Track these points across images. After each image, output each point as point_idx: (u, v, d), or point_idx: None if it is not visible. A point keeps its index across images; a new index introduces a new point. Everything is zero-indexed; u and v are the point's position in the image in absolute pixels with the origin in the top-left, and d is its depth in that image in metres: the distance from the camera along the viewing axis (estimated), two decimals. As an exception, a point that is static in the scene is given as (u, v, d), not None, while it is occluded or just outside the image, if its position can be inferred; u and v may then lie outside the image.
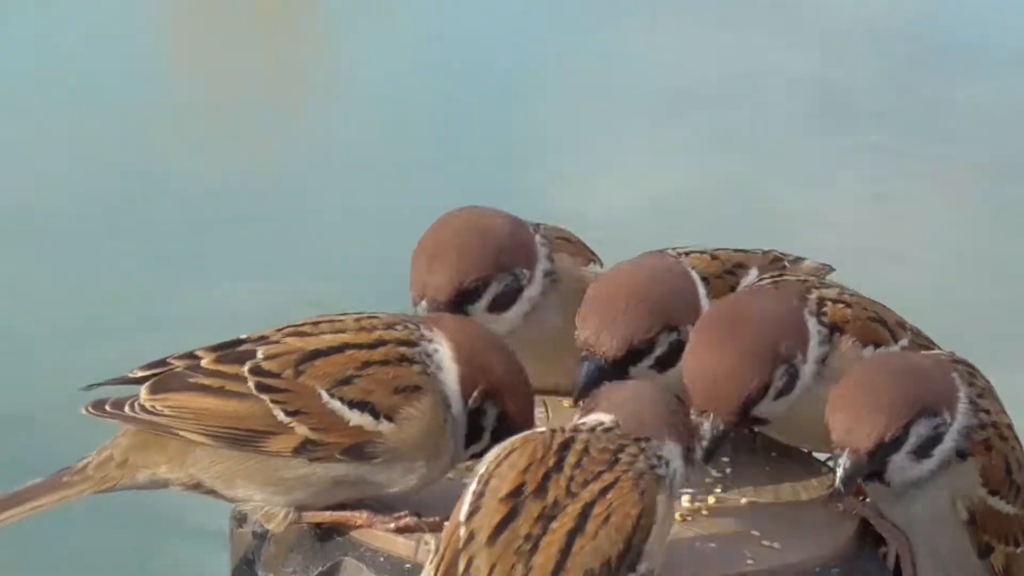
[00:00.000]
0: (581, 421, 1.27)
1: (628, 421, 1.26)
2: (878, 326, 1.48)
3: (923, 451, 1.35)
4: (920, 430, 1.33)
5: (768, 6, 8.56)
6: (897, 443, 1.34)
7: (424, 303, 1.51)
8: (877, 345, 1.49)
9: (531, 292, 1.55)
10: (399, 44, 7.77)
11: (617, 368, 1.48)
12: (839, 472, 1.33)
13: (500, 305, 1.54)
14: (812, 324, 1.46)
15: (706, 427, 1.41)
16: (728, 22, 8.44)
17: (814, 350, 1.45)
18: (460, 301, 1.51)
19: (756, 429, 1.52)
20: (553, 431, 1.26)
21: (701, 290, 1.55)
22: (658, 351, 1.50)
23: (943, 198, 6.26)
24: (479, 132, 6.82)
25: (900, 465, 1.35)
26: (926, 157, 6.44)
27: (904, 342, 1.50)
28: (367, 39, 8.09)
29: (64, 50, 7.41)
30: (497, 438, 1.34)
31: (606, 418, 1.26)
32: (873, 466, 1.34)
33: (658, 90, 7.23)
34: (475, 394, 1.36)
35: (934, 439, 1.35)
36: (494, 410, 1.37)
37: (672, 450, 1.27)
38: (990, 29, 8.67)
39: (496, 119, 6.98)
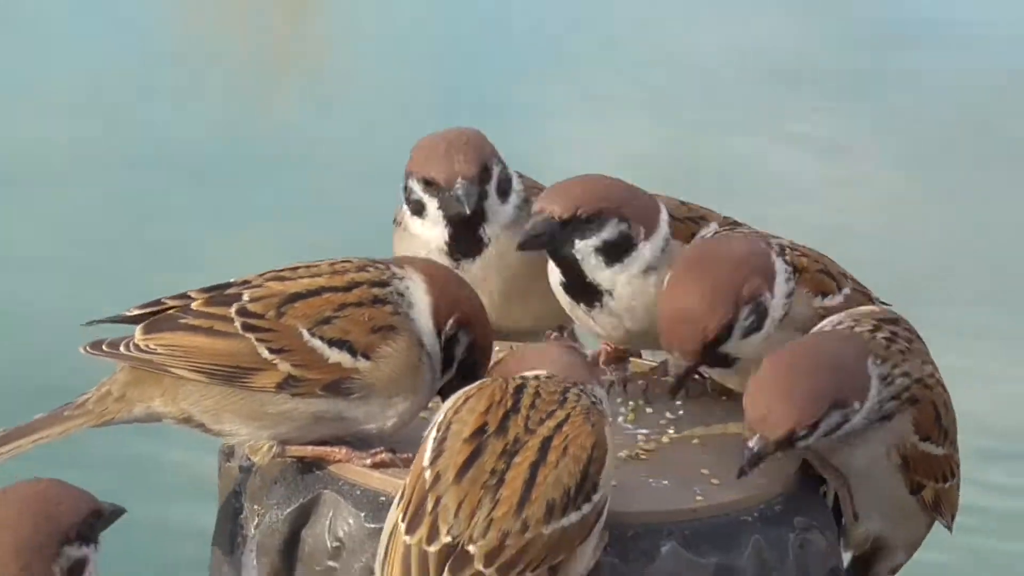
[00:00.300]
0: (524, 375, 1.33)
1: (559, 372, 1.33)
2: (824, 276, 1.53)
3: (832, 432, 1.40)
4: (830, 421, 1.38)
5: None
6: (807, 435, 1.39)
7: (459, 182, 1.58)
8: (825, 295, 1.54)
9: (503, 217, 1.62)
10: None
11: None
12: (747, 454, 1.37)
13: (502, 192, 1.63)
14: (779, 263, 1.50)
15: (671, 364, 1.47)
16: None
17: (782, 286, 1.49)
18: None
19: (725, 363, 1.51)
20: (504, 379, 1.32)
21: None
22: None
23: (888, 160, 6.51)
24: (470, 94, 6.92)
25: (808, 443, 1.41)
26: (877, 120, 6.71)
27: (847, 291, 1.55)
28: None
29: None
30: (463, 369, 1.41)
31: (540, 371, 1.32)
32: (781, 450, 1.38)
33: (629, 59, 7.42)
34: (451, 322, 1.41)
35: (842, 423, 1.40)
36: (466, 339, 1.42)
37: (599, 392, 1.34)
38: (950, 5, 8.81)
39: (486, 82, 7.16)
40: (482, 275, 1.54)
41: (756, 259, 1.49)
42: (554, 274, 1.59)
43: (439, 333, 1.42)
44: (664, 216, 1.57)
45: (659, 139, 6.02)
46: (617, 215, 1.52)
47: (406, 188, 1.62)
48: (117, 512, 1.34)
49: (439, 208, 1.57)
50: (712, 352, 1.45)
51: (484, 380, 1.34)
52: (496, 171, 1.61)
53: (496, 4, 8.44)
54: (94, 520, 1.28)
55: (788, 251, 1.54)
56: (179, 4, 8.55)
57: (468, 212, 1.55)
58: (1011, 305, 4.51)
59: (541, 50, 7.50)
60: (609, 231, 1.52)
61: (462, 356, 1.42)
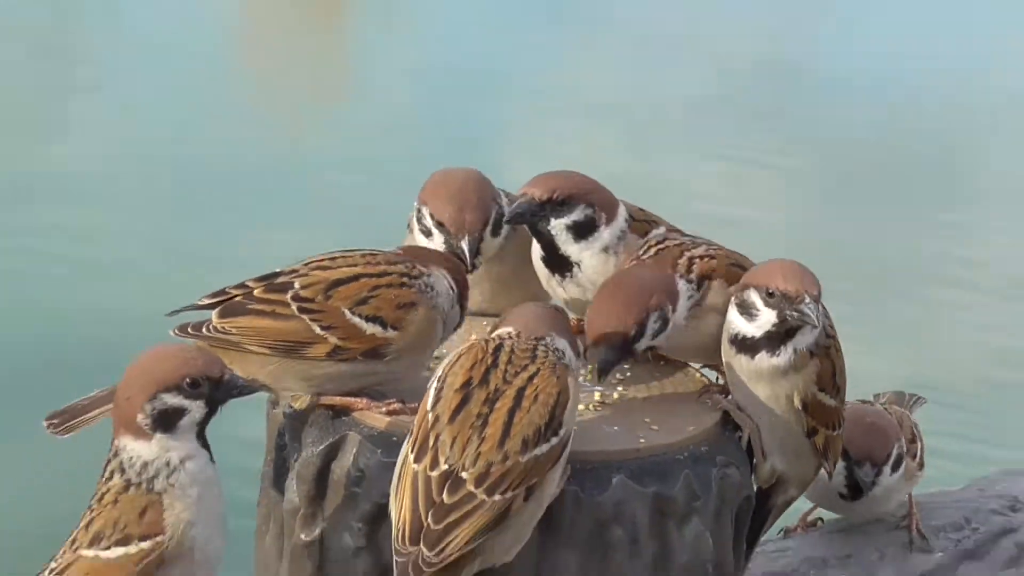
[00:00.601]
0: (496, 333, 1.47)
1: (527, 329, 1.45)
2: (737, 269, 1.67)
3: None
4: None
5: (669, 37, 9.19)
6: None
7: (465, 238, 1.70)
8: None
9: (491, 249, 1.77)
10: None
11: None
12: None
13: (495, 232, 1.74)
14: (682, 284, 1.64)
15: (596, 357, 1.58)
16: (643, 47, 9.11)
17: (684, 302, 1.63)
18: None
19: (651, 350, 1.65)
20: (485, 340, 1.45)
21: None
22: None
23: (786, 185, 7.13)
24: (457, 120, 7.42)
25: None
26: (779, 156, 7.27)
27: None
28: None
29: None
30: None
31: (512, 329, 1.45)
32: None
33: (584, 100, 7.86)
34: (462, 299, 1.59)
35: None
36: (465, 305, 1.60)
37: (562, 343, 1.45)
38: (849, 64, 9.37)
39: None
40: (475, 280, 1.66)
41: (662, 282, 1.63)
42: (536, 253, 1.73)
43: (462, 304, 1.58)
44: (623, 211, 1.73)
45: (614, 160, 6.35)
46: (584, 201, 1.69)
47: (419, 211, 1.71)
48: (242, 388, 1.36)
49: (444, 244, 1.68)
50: (628, 349, 1.57)
51: (471, 342, 1.46)
52: (494, 214, 1.73)
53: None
54: (202, 380, 1.33)
55: (697, 260, 1.67)
56: (235, 45, 9.18)
57: (468, 269, 1.66)
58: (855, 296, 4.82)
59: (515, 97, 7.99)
60: (577, 214, 1.69)
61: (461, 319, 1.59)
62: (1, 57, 7.84)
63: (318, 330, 1.48)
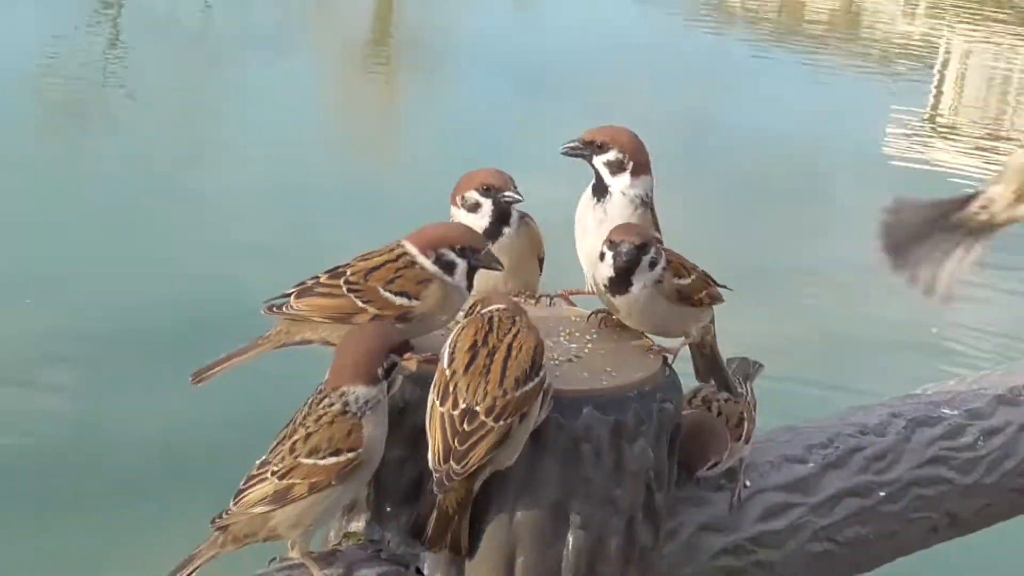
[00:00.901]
0: (486, 310, 1.43)
1: (507, 308, 1.43)
2: (681, 267, 1.58)
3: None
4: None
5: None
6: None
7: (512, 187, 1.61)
8: (680, 278, 1.58)
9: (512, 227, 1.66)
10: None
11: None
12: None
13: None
14: (663, 252, 1.55)
15: (618, 253, 1.51)
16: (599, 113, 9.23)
17: (662, 259, 1.54)
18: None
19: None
20: (479, 316, 1.41)
21: None
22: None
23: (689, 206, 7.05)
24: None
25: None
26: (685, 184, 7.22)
27: (694, 276, 1.61)
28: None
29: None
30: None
31: (496, 307, 1.42)
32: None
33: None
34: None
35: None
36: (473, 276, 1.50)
37: (522, 319, 1.41)
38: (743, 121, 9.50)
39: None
40: (497, 253, 1.56)
41: (656, 238, 1.58)
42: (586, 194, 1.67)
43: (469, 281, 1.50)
44: (648, 180, 1.65)
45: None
46: (618, 146, 1.62)
47: (462, 198, 1.61)
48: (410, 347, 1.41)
49: (492, 204, 1.60)
50: (637, 258, 1.50)
51: (471, 318, 1.43)
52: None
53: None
54: (403, 345, 1.40)
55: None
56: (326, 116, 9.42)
57: (522, 199, 1.60)
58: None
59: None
60: (611, 155, 1.62)
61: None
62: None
63: (360, 304, 1.45)
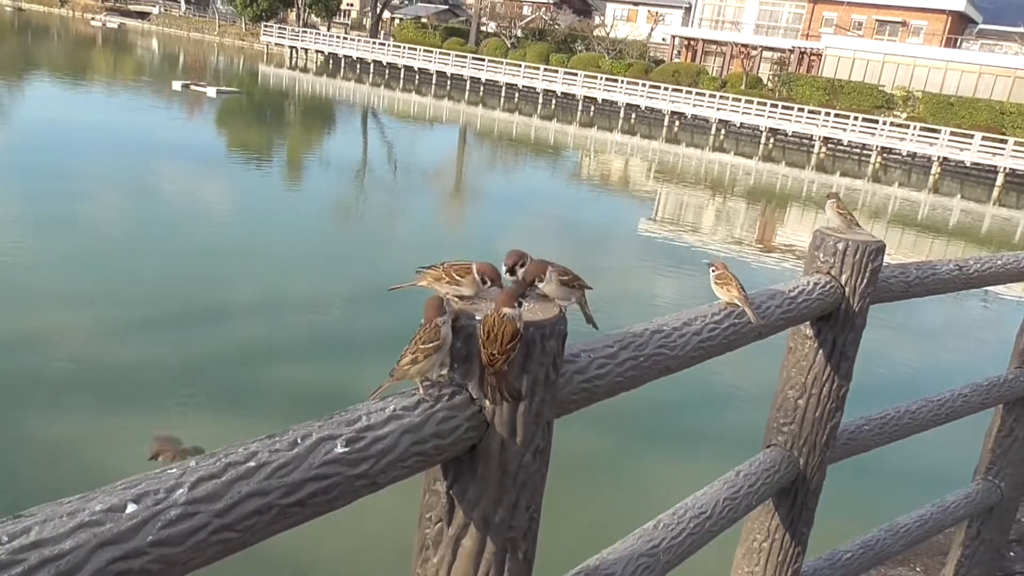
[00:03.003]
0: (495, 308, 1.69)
1: (498, 303, 1.72)
2: (564, 276, 1.98)
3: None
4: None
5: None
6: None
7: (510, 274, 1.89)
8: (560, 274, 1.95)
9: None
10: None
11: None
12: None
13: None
14: (554, 274, 1.93)
15: (525, 280, 1.85)
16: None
17: (553, 275, 1.93)
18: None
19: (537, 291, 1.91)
20: (487, 315, 1.71)
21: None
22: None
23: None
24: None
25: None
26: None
27: (571, 275, 1.96)
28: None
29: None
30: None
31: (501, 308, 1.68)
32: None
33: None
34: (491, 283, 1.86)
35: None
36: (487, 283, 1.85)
37: (512, 312, 1.73)
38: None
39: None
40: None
41: (545, 267, 1.93)
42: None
43: (484, 280, 1.86)
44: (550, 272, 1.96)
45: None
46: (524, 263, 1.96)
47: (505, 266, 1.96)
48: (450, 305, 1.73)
49: (513, 280, 1.95)
50: (532, 282, 1.88)
51: (486, 315, 1.73)
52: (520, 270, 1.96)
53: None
54: (448, 307, 1.74)
55: (551, 268, 1.93)
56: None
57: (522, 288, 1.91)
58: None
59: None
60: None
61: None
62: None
63: (446, 286, 1.89)
